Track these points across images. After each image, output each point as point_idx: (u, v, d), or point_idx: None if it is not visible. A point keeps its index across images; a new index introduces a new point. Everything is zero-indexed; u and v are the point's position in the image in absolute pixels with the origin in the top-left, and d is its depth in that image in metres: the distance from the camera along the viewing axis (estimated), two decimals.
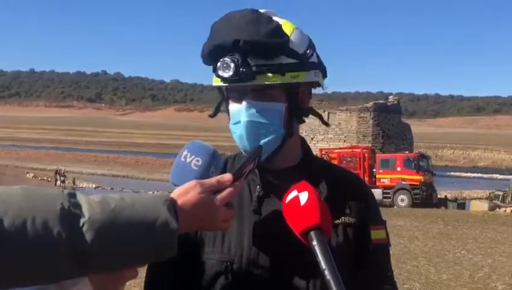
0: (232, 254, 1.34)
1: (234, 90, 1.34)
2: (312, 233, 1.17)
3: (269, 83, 1.30)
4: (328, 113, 38.98)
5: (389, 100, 41.22)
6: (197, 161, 1.19)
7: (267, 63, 1.29)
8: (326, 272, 1.12)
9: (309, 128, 37.79)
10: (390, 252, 1.49)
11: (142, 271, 1.36)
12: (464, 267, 9.98)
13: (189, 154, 1.20)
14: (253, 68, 1.27)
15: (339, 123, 38.96)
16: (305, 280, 1.32)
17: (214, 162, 1.22)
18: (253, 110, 1.33)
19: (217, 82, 1.34)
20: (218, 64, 1.28)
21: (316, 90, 1.45)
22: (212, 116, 1.46)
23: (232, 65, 1.26)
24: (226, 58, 1.27)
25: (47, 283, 1.04)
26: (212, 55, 1.30)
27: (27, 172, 47.44)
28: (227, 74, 1.27)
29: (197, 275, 1.36)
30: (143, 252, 1.06)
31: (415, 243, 12.73)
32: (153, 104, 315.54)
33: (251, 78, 1.28)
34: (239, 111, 1.34)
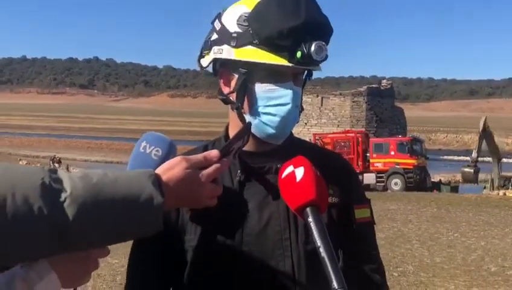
0: (214, 241, 1.31)
1: (278, 72, 1.28)
2: (308, 209, 1.13)
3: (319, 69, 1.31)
4: (322, 97, 38.93)
5: (383, 84, 41.12)
6: (157, 151, 1.20)
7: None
8: (321, 249, 1.09)
9: (302, 113, 37.14)
10: (376, 232, 1.48)
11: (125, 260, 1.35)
12: (457, 250, 10.04)
13: (148, 145, 1.21)
14: (327, 53, 1.25)
15: (333, 108, 38.89)
16: (291, 264, 1.31)
17: (172, 152, 1.22)
18: (298, 95, 1.32)
19: (273, 60, 1.24)
20: (313, 46, 1.21)
21: None
22: (237, 101, 1.33)
23: (325, 49, 1.23)
24: (322, 42, 1.23)
25: (27, 261, 1.02)
26: (295, 34, 1.22)
27: (20, 159, 47.21)
28: (319, 57, 1.23)
29: (179, 264, 1.34)
30: (127, 228, 1.03)
31: (409, 226, 12.80)
32: (146, 90, 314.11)
33: (319, 63, 1.27)
34: (287, 93, 1.30)
